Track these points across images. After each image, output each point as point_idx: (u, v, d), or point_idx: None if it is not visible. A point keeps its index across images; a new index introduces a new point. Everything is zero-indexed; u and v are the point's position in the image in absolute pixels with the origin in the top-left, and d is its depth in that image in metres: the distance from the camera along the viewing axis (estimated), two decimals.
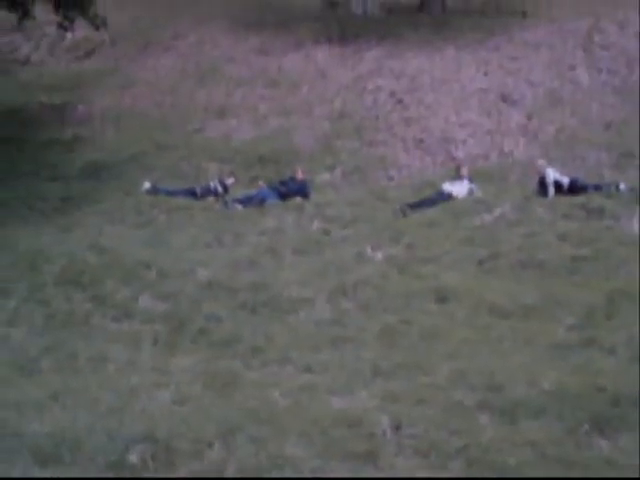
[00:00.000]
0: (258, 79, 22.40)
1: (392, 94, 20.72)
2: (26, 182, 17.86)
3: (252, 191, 17.19)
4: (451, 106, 20.04)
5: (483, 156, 18.14)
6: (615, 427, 8.11)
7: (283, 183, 17.19)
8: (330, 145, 19.19)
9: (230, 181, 17.78)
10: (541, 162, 16.05)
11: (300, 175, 17.26)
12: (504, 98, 19.93)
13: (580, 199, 15.25)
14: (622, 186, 15.21)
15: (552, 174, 15.65)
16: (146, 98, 22.30)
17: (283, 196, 16.87)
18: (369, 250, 13.87)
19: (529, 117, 19.26)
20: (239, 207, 16.40)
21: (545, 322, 11.20)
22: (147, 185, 17.46)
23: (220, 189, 17.42)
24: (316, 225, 15.37)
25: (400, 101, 20.39)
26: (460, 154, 18.16)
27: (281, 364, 10.07)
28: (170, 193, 17.10)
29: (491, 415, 8.51)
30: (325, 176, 18.08)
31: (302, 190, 17.00)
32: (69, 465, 7.24)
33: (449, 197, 16.07)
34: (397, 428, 8.10)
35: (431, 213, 15.45)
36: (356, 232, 14.78)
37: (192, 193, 17.20)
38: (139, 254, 13.61)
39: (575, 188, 15.50)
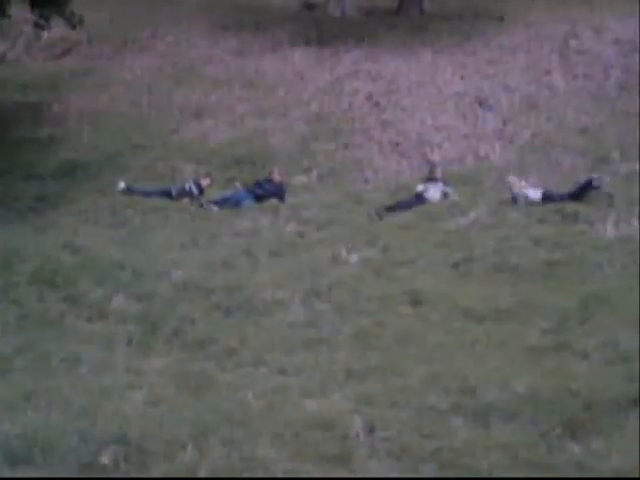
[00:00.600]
0: (235, 80, 22.38)
1: (369, 97, 20.76)
2: (0, 181, 17.73)
3: (228, 192, 17.14)
4: (427, 109, 20.10)
5: (459, 160, 18.19)
6: (587, 431, 8.15)
7: (259, 185, 17.12)
8: (306, 147, 19.19)
9: (205, 182, 17.63)
10: (512, 178, 15.91)
11: (276, 177, 17.21)
12: (480, 102, 20.01)
13: (554, 204, 15.31)
14: (596, 181, 15.23)
15: (522, 192, 15.58)
16: (123, 98, 22.21)
17: (259, 198, 16.83)
18: (344, 252, 13.87)
19: (505, 121, 19.34)
20: (214, 208, 16.36)
21: (519, 326, 11.23)
22: (122, 185, 17.34)
23: (195, 190, 17.31)
24: (291, 227, 15.37)
25: (377, 104, 20.44)
26: (436, 157, 18.19)
27: (255, 366, 10.07)
28: (145, 193, 17.03)
29: (464, 418, 8.53)
30: (301, 178, 18.07)
31: (278, 192, 16.96)
32: (40, 466, 7.20)
33: (424, 201, 16.07)
34: (370, 431, 8.12)
35: (406, 216, 15.48)
36: (331, 234, 14.78)
37: (167, 193, 17.11)
38: (114, 254, 13.56)
39: (548, 200, 15.47)
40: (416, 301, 12.06)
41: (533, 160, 17.67)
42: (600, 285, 12.01)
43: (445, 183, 16.53)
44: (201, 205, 16.65)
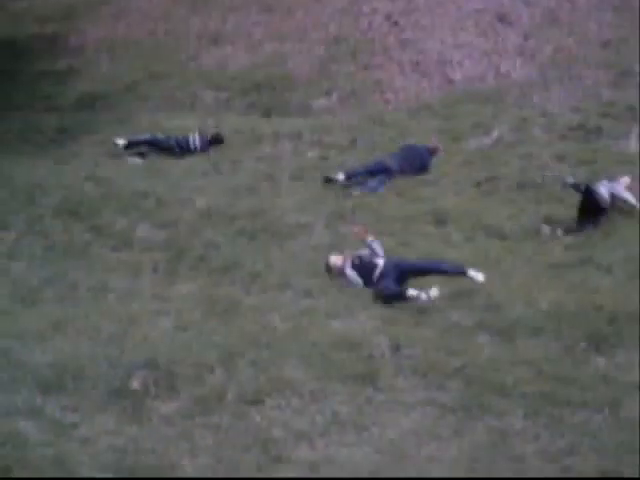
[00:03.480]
0: (252, 4, 22.07)
1: (388, 16, 20.45)
2: (20, 114, 17.75)
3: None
4: (447, 27, 19.78)
5: (480, 78, 17.94)
6: (612, 344, 8.21)
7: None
8: (326, 70, 18.98)
9: (209, 137, 15.66)
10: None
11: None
12: (501, 18, 19.69)
13: (577, 118, 15.15)
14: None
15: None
16: (139, 27, 21.99)
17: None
18: None
19: (526, 37, 19.02)
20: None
21: (542, 243, 11.25)
22: (120, 142, 15.45)
23: (198, 146, 15.47)
24: (313, 151, 15.30)
25: (396, 23, 20.14)
26: (457, 76, 17.98)
27: (280, 289, 10.16)
28: (148, 143, 15.61)
29: (489, 335, 8.62)
30: (321, 101, 17.93)
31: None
32: (72, 393, 7.35)
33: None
34: (396, 349, 8.20)
35: (429, 137, 15.34)
36: (354, 157, 14.71)
37: (169, 147, 15.45)
38: (136, 184, 13.58)
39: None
40: (440, 221, 12.08)
41: (555, 76, 17.40)
42: None
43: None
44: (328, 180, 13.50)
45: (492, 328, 8.74)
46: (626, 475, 6.01)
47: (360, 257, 10.39)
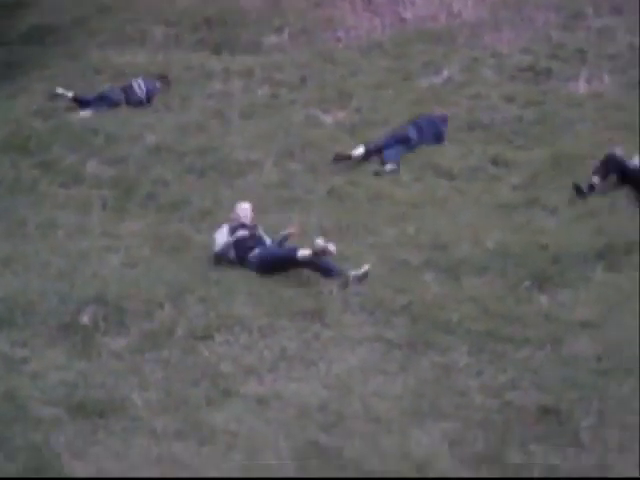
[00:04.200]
0: None
1: None
2: None
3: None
4: None
5: (431, 17, 17.89)
6: (555, 283, 8.42)
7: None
8: (277, 5, 18.82)
9: (157, 85, 14.64)
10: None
11: None
12: None
13: (528, 60, 15.21)
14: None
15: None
16: None
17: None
18: (317, 113, 13.83)
19: None
20: None
21: (490, 183, 11.39)
22: (64, 92, 14.28)
23: (143, 95, 14.42)
24: (264, 89, 15.23)
25: None
26: (409, 14, 17.94)
27: None
28: (93, 101, 14.19)
29: (436, 273, 8.78)
30: (272, 38, 17.80)
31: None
32: (22, 328, 7.37)
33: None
34: (343, 286, 8.32)
35: (379, 75, 15.35)
36: (304, 95, 14.69)
37: (117, 102, 14.24)
38: (86, 120, 13.46)
39: None
40: None
41: (506, 17, 17.39)
42: (571, 142, 12.10)
43: None
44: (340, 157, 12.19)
45: (439, 266, 8.90)
46: (564, 410, 6.19)
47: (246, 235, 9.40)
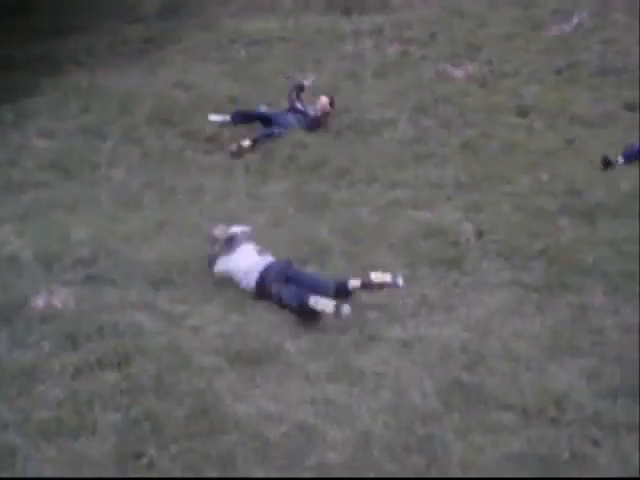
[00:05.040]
0: None
1: None
2: (108, 26, 18.07)
3: None
4: None
5: None
6: None
7: None
8: None
9: (307, 82, 13.31)
10: None
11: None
12: None
13: None
14: None
15: None
16: None
17: None
18: (448, 68, 13.97)
19: None
20: None
21: (625, 129, 11.36)
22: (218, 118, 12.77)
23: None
24: (394, 47, 15.40)
25: None
26: None
27: (367, 183, 10.54)
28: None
29: (571, 218, 8.91)
30: None
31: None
32: (179, 287, 7.84)
33: None
34: (480, 235, 8.55)
35: (508, 26, 15.34)
36: (434, 51, 14.81)
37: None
38: (224, 88, 13.90)
39: None
40: (521, 110, 12.26)
41: None
42: None
43: None
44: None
45: (574, 211, 9.03)
46: None
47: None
